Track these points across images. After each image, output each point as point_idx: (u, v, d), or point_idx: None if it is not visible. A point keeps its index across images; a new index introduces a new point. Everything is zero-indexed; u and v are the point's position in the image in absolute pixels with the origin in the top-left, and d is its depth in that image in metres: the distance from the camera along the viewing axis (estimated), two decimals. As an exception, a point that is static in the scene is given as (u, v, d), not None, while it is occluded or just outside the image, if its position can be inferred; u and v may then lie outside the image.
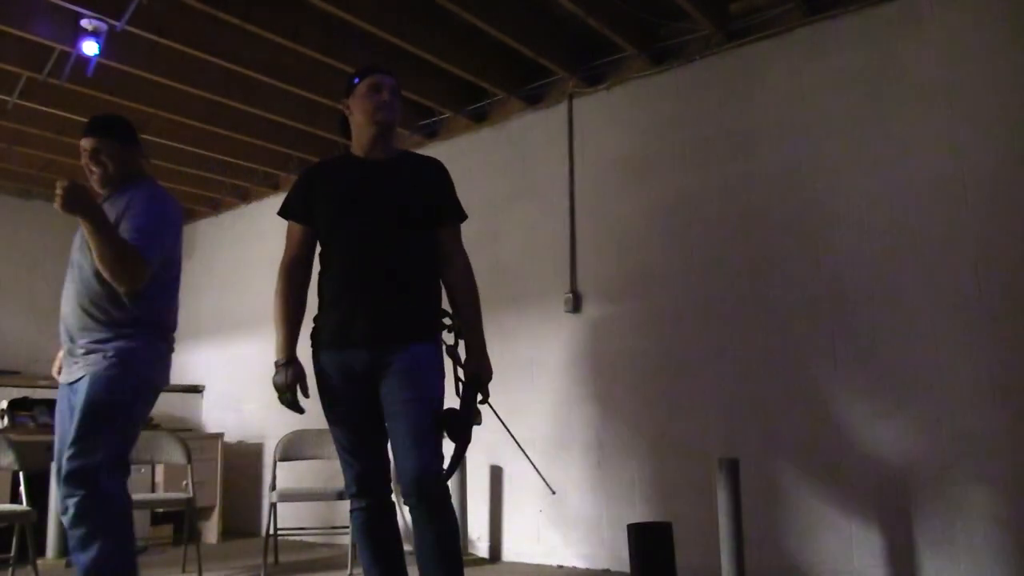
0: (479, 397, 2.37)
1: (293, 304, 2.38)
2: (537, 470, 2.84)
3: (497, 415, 2.48)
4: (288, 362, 2.31)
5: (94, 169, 2.65)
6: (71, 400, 2.49)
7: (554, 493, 2.96)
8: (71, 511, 2.37)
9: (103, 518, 2.38)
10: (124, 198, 2.58)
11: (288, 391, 2.28)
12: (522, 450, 2.66)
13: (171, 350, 2.74)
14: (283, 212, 2.45)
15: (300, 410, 2.31)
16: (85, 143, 2.65)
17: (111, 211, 2.53)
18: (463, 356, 2.42)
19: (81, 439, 2.38)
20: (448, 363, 2.41)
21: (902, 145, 3.48)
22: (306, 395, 2.32)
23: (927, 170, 3.41)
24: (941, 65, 3.43)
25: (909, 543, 3.27)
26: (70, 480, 2.37)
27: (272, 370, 2.33)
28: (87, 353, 2.48)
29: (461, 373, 2.41)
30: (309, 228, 2.40)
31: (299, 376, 2.30)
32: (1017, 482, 3.06)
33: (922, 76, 3.47)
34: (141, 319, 2.53)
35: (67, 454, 2.38)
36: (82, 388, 2.43)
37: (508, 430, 2.53)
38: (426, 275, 2.39)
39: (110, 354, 2.45)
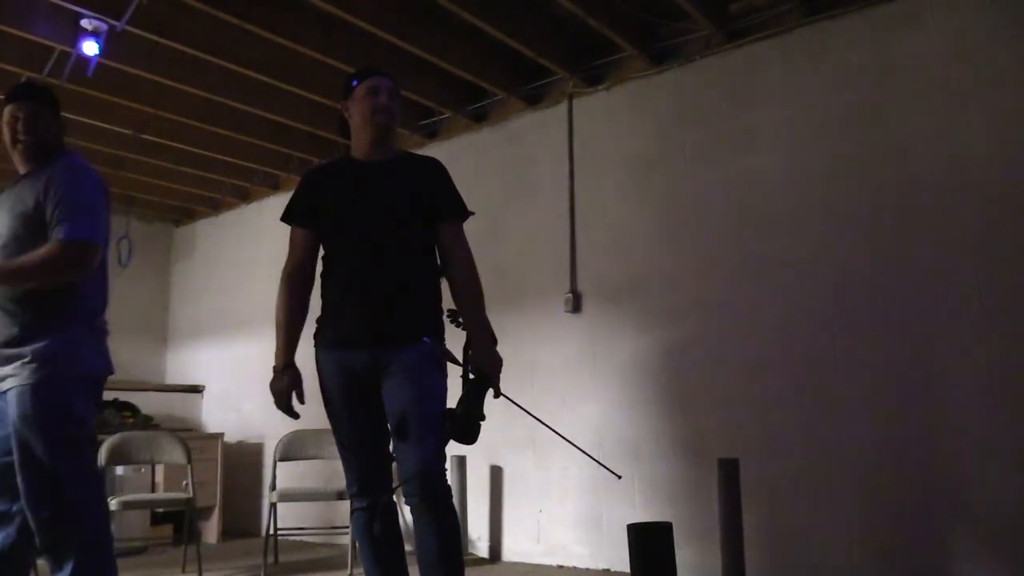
0: (489, 394, 2.33)
1: (294, 310, 2.39)
2: (593, 458, 2.78)
3: (526, 411, 2.44)
4: (285, 368, 2.33)
5: (23, 138, 2.40)
6: (2, 407, 2.31)
7: (619, 478, 2.90)
8: (38, 535, 2.24)
9: (75, 536, 2.23)
10: (47, 173, 2.36)
11: (284, 397, 2.31)
12: (569, 441, 2.60)
13: (102, 334, 2.46)
14: (285, 217, 2.46)
15: (295, 415, 2.34)
16: (18, 109, 2.42)
17: (32, 188, 2.34)
18: (465, 354, 2.39)
19: (29, 479, 2.23)
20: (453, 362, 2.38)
21: (901, 145, 3.48)
22: (301, 401, 2.34)
23: (927, 169, 3.40)
24: (940, 65, 3.43)
25: (909, 543, 3.27)
26: (30, 501, 2.23)
27: (272, 372, 2.34)
28: (6, 361, 2.28)
29: (465, 368, 2.38)
30: (311, 232, 2.41)
31: (295, 382, 2.32)
32: (1017, 482, 3.06)
33: (921, 76, 3.47)
34: (56, 310, 2.30)
35: (22, 489, 2.23)
36: (11, 406, 2.25)
37: (543, 422, 2.47)
38: (427, 275, 2.38)
39: (28, 359, 2.24)
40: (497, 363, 2.34)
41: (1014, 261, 3.17)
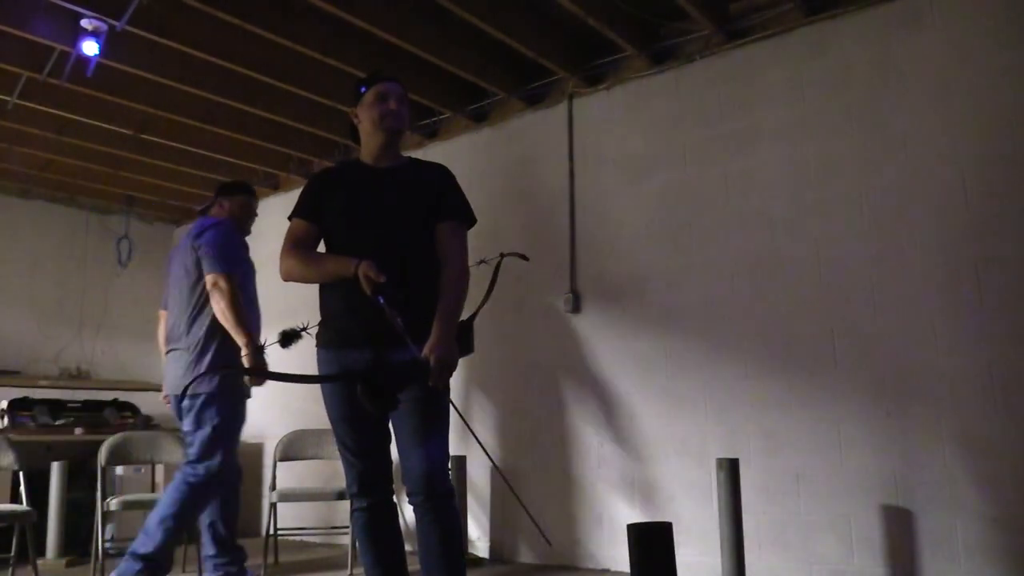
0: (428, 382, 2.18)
1: (315, 254, 2.36)
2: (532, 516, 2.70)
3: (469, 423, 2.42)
4: (357, 264, 2.18)
5: None
6: None
7: (551, 545, 2.83)
8: None
9: None
10: None
11: (376, 276, 2.14)
12: (509, 485, 2.61)
13: None
14: (292, 215, 2.46)
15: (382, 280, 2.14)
16: None
17: None
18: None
19: None
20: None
21: (902, 145, 3.48)
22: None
23: (927, 170, 3.40)
24: (941, 65, 3.43)
25: (909, 543, 3.27)
26: None
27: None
28: None
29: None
30: (315, 226, 2.41)
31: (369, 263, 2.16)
32: (1017, 482, 3.06)
33: (922, 76, 3.47)
34: None
35: None
36: None
37: (477, 437, 2.45)
38: (428, 277, 2.38)
39: None
40: (450, 358, 2.20)
41: (1014, 261, 3.17)
